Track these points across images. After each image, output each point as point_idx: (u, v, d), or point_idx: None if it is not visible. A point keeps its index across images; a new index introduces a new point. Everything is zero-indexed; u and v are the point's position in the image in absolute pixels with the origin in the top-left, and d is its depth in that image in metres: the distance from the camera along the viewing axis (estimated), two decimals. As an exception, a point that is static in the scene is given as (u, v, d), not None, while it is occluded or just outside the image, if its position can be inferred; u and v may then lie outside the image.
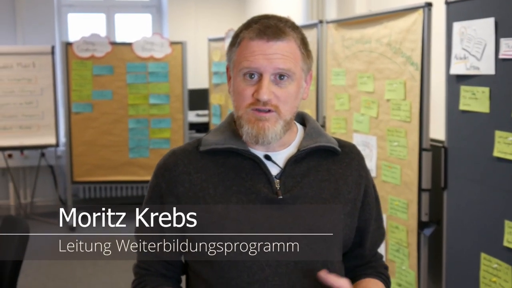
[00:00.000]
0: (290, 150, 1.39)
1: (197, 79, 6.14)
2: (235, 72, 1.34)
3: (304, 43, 1.35)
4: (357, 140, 3.17)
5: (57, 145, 5.61)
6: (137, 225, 1.45)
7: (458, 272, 2.45)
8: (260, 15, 1.36)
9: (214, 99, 5.32)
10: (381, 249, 2.99)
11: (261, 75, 1.29)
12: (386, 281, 1.51)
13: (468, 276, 2.36)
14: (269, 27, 1.30)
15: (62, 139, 5.85)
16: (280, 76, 1.30)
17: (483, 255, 2.27)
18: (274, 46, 1.29)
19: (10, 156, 5.81)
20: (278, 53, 1.29)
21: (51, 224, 5.65)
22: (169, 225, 1.38)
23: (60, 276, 4.34)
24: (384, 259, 3.09)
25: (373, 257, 1.54)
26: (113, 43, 5.61)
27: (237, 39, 1.34)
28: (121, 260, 5.04)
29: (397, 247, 2.89)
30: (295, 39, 1.32)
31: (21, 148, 5.64)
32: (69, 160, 5.59)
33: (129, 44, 5.56)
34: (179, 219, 1.37)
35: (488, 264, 2.24)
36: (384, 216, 2.97)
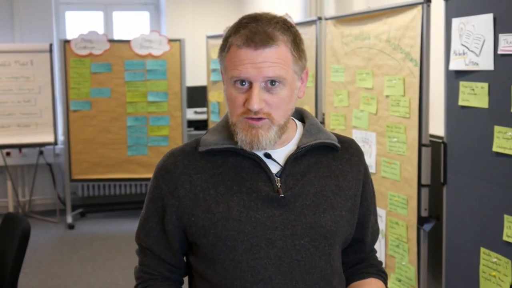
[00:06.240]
0: (290, 147, 1.38)
1: (196, 76, 6.13)
2: (226, 79, 1.32)
3: (295, 44, 1.30)
4: (356, 136, 3.18)
5: (55, 143, 5.61)
6: (139, 228, 1.44)
7: (458, 267, 2.47)
8: (249, 15, 1.31)
9: (213, 96, 5.32)
10: (381, 245, 3.00)
11: (251, 83, 1.27)
12: (386, 279, 1.53)
13: (468, 271, 2.37)
14: (257, 33, 1.25)
15: (61, 137, 5.85)
16: (272, 82, 1.27)
17: (482, 249, 2.28)
18: (262, 54, 1.25)
19: (8, 154, 5.81)
20: (267, 61, 1.25)
21: (50, 222, 5.65)
22: (171, 227, 1.37)
23: (59, 274, 4.34)
24: (384, 254, 3.10)
25: (371, 253, 1.55)
26: (111, 41, 5.61)
27: (226, 44, 1.30)
28: (120, 258, 5.05)
29: (397, 243, 2.90)
30: (285, 43, 1.28)
31: (19, 146, 5.64)
32: (68, 158, 5.59)
33: (127, 42, 5.56)
34: (181, 221, 1.36)
35: (488, 258, 2.25)
36: (384, 212, 2.98)
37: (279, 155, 1.37)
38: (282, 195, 1.32)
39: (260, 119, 1.28)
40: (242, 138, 1.30)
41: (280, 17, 1.32)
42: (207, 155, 1.37)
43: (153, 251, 1.41)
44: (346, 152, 1.44)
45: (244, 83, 1.28)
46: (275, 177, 1.35)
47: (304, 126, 1.43)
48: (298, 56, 1.31)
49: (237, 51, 1.27)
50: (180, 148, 1.41)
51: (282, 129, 1.33)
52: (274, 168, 1.36)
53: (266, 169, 1.34)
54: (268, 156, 1.36)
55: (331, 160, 1.41)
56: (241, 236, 1.29)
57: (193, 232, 1.34)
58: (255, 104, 1.25)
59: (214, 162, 1.36)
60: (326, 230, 1.34)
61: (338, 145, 1.42)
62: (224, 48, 1.31)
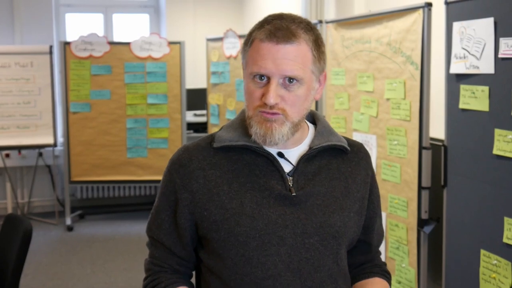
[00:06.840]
0: (302, 148, 1.42)
1: (195, 79, 6.15)
2: (246, 73, 1.35)
3: (317, 44, 1.34)
4: (356, 139, 3.19)
5: (55, 145, 5.61)
6: (151, 220, 1.46)
7: (458, 269, 2.48)
8: (274, 14, 1.36)
9: (212, 99, 5.33)
10: (381, 247, 3.01)
11: (269, 78, 1.30)
12: (390, 279, 1.56)
13: (468, 273, 2.39)
14: (280, 29, 1.29)
15: (60, 139, 5.85)
16: (289, 80, 1.30)
17: (482, 251, 2.29)
18: (283, 49, 1.29)
19: (7, 155, 5.81)
20: (286, 58, 1.29)
21: (49, 224, 5.65)
22: (183, 221, 1.39)
23: (59, 276, 4.34)
24: (384, 256, 3.11)
25: (376, 254, 1.58)
26: (111, 43, 5.61)
27: (250, 38, 1.35)
28: (119, 259, 5.04)
29: (397, 245, 2.91)
30: (307, 42, 1.31)
31: (19, 148, 5.63)
32: (67, 160, 5.59)
33: (127, 44, 5.57)
34: (193, 215, 1.38)
35: (488, 260, 2.26)
36: (384, 214, 2.99)
37: (291, 155, 1.40)
38: (294, 194, 1.35)
39: (274, 113, 1.31)
40: (256, 131, 1.33)
41: (305, 18, 1.36)
42: (221, 151, 1.40)
43: (163, 244, 1.43)
44: (355, 155, 1.47)
45: (263, 77, 1.31)
46: (288, 176, 1.38)
47: (316, 128, 1.46)
48: (318, 57, 1.34)
49: (259, 45, 1.31)
50: (194, 143, 1.44)
51: (296, 126, 1.36)
52: (287, 167, 1.39)
53: (279, 168, 1.37)
54: (281, 155, 1.39)
55: (340, 163, 1.44)
56: (253, 232, 1.32)
57: (205, 226, 1.36)
58: (271, 99, 1.29)
59: (229, 158, 1.39)
60: (335, 230, 1.37)
61: (348, 148, 1.45)
62: (248, 42, 1.35)
